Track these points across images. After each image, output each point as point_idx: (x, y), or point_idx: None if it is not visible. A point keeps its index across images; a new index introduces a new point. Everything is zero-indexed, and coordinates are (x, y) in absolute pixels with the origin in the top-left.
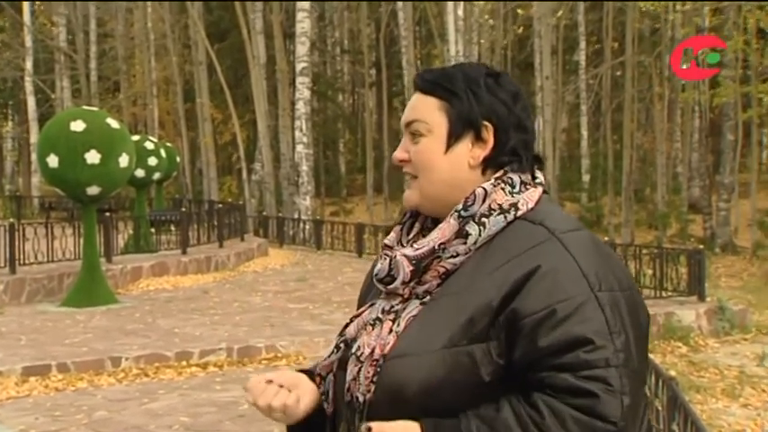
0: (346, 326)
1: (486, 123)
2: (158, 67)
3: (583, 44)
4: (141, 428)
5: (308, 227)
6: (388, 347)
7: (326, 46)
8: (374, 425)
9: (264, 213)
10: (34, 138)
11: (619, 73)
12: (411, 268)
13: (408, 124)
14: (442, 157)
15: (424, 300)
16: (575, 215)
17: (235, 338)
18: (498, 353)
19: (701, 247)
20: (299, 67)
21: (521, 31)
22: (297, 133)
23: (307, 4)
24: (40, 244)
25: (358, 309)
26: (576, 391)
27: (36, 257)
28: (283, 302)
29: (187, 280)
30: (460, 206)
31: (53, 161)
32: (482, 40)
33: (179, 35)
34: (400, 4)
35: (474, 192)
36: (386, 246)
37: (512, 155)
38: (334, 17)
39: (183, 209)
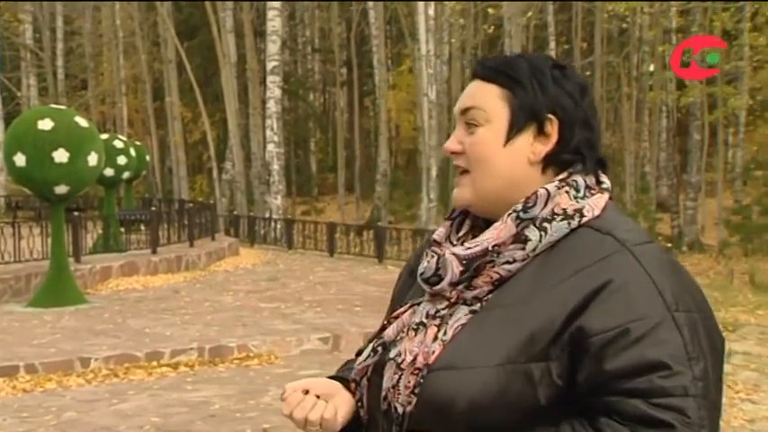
0: (383, 327)
1: (550, 116)
2: (127, 65)
3: (552, 44)
4: (111, 429)
5: (279, 226)
6: (432, 357)
7: (297, 45)
8: None
9: (235, 212)
10: (0, 136)
11: (588, 73)
12: (461, 269)
13: (464, 112)
14: (500, 151)
15: (473, 306)
16: None
17: (206, 338)
18: (559, 373)
19: (669, 245)
20: (269, 65)
21: (491, 30)
22: (268, 132)
23: (277, 3)
24: (7, 244)
25: (391, 308)
26: (648, 420)
27: (3, 257)
28: (255, 302)
29: (157, 280)
30: (520, 206)
31: (20, 160)
32: (453, 40)
33: (148, 33)
34: (371, 3)
35: (536, 192)
36: (434, 242)
37: (575, 153)
38: (305, 16)
39: (153, 208)
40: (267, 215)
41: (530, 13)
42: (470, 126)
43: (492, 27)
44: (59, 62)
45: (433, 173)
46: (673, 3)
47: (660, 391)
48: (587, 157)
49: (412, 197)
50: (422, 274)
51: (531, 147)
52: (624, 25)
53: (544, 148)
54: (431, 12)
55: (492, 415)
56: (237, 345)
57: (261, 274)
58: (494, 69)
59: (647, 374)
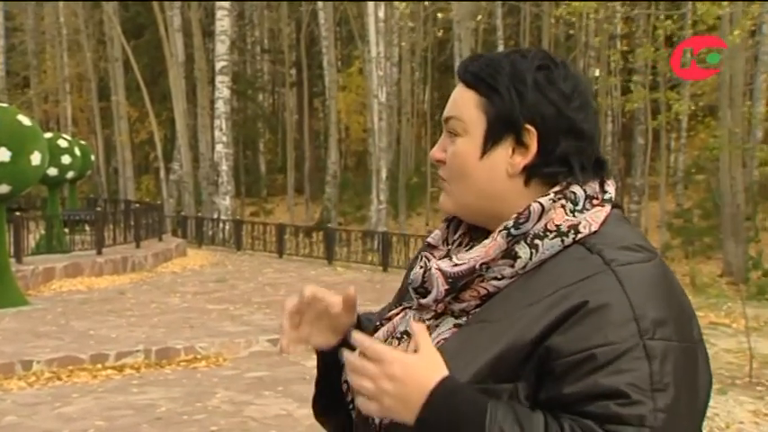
0: (376, 328)
1: (528, 126)
2: (71, 63)
3: (501, 47)
4: None
5: (227, 227)
6: None
7: (246, 45)
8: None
9: (183, 213)
10: None
11: None
12: (446, 287)
13: (446, 120)
14: (476, 163)
15: (459, 320)
16: None
17: (153, 340)
18: (526, 394)
19: None
20: (218, 65)
21: (441, 34)
22: (216, 132)
23: (226, 3)
24: None
25: (395, 301)
26: None
27: None
28: (202, 303)
29: (102, 281)
30: (511, 223)
31: None
32: (403, 43)
33: (93, 31)
34: (321, 4)
35: (529, 207)
36: (429, 245)
37: (560, 164)
38: (254, 16)
39: (99, 208)
40: (215, 216)
41: (479, 17)
42: (452, 135)
43: (441, 30)
44: (0, 59)
45: (383, 174)
46: (618, 9)
47: (615, 417)
48: (575, 165)
49: (362, 199)
50: (410, 283)
51: (509, 159)
52: (571, 31)
53: (523, 159)
54: (381, 14)
55: None
56: (185, 347)
57: (209, 276)
58: (474, 74)
59: (604, 401)
